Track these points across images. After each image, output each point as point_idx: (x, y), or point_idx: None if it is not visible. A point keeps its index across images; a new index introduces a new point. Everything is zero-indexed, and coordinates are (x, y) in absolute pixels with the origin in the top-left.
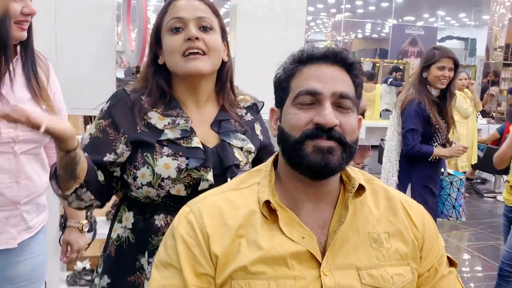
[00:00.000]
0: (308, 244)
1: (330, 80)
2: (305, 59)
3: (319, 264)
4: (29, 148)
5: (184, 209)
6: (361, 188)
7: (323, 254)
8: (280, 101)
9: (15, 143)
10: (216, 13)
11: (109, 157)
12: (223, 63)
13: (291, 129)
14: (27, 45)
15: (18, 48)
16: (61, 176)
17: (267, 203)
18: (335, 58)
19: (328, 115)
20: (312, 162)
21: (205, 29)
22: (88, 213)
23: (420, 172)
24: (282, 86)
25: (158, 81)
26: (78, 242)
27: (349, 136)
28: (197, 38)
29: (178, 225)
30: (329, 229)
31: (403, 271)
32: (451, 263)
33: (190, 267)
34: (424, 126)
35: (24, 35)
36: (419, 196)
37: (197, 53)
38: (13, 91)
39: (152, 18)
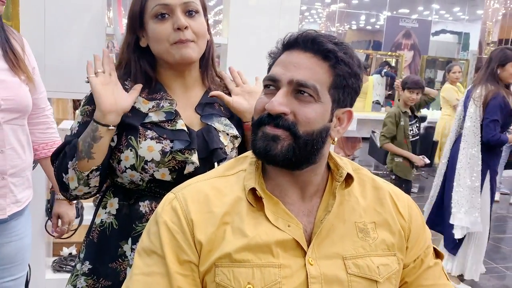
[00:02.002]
0: (294, 232)
1: (293, 67)
2: (284, 45)
3: (305, 253)
4: (12, 117)
5: (169, 196)
6: (349, 178)
7: (308, 243)
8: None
9: None
10: None
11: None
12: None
13: (255, 113)
14: None
15: None
16: (79, 151)
17: (253, 190)
18: (305, 45)
19: (274, 102)
20: (257, 147)
21: (191, 13)
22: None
23: (497, 159)
24: (268, 70)
25: (143, 65)
26: (68, 214)
27: (302, 126)
28: (186, 28)
29: (162, 211)
30: (315, 218)
31: (389, 262)
32: (437, 255)
33: (174, 254)
34: (505, 117)
35: (1, 10)
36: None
37: (187, 41)
38: None
39: None
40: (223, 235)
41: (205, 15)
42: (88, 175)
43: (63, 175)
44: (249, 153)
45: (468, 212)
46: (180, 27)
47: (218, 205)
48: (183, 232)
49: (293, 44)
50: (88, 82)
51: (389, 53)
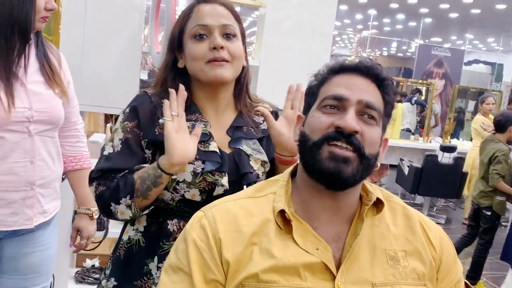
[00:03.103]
0: (323, 255)
1: (359, 89)
2: (337, 68)
3: (333, 277)
4: (44, 129)
5: (198, 214)
6: (379, 203)
7: (337, 267)
8: (307, 108)
9: (30, 122)
10: (237, 18)
11: (148, 153)
12: (242, 68)
13: (311, 132)
14: (38, 32)
15: (32, 34)
16: (137, 190)
17: (282, 212)
18: (367, 71)
19: (349, 120)
20: (324, 167)
21: (228, 36)
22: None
23: None
24: (311, 92)
25: (178, 85)
26: (87, 228)
27: (368, 147)
28: (222, 48)
29: (191, 229)
30: (344, 243)
31: None
32: None
33: (200, 272)
34: None
35: (43, 26)
36: None
37: (222, 60)
38: (26, 74)
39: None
40: (251, 255)
41: (243, 41)
42: (143, 212)
43: (112, 204)
44: (279, 177)
45: None
46: (216, 46)
47: (247, 225)
48: (211, 250)
49: (352, 68)
50: (162, 122)
51: (420, 81)
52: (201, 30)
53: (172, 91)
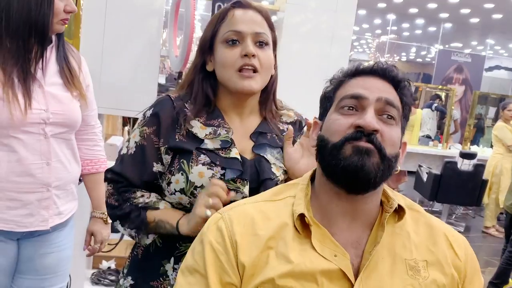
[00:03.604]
0: (341, 262)
1: (377, 89)
2: (353, 72)
3: (351, 285)
4: (60, 131)
5: (215, 216)
6: (401, 211)
7: (355, 275)
8: (323, 112)
9: (46, 124)
10: (271, 26)
11: (157, 167)
12: (270, 78)
13: (331, 135)
14: (60, 35)
15: (54, 37)
16: (149, 229)
17: (301, 216)
18: (383, 73)
19: (369, 118)
20: (347, 163)
21: (261, 44)
22: None
23: None
24: (327, 97)
25: (205, 88)
26: (101, 232)
27: (388, 148)
28: (253, 56)
29: (208, 231)
30: (363, 250)
31: None
32: None
33: (216, 275)
34: None
35: (63, 28)
36: None
37: (252, 70)
38: (44, 76)
39: (197, 27)
40: (267, 259)
41: (274, 49)
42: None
43: (119, 222)
44: (298, 180)
45: None
46: (247, 54)
47: (264, 228)
48: (227, 253)
49: (368, 71)
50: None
51: (440, 86)
52: (234, 35)
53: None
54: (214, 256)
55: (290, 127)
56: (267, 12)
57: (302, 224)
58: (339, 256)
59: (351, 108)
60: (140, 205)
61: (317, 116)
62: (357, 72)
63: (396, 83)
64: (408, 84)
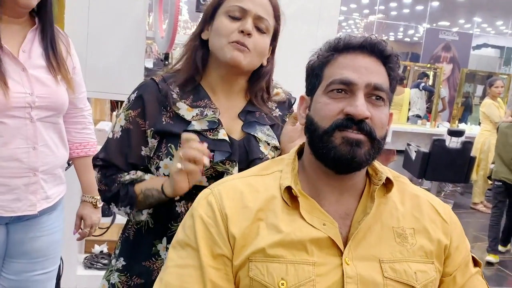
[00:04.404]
0: (329, 231)
1: (365, 70)
2: (341, 47)
3: (341, 252)
4: (46, 115)
5: (205, 191)
6: (389, 183)
7: (344, 244)
8: (311, 89)
9: (32, 108)
10: (276, 16)
11: (146, 151)
12: (261, 67)
13: (320, 119)
14: (45, 17)
15: (37, 19)
16: (139, 202)
17: (289, 189)
18: (372, 49)
19: (360, 106)
20: (339, 154)
21: (259, 29)
22: None
23: None
24: (315, 73)
25: (197, 55)
26: (91, 217)
27: (378, 131)
28: (249, 35)
29: (198, 206)
30: (352, 220)
31: (427, 269)
32: (475, 263)
33: (207, 247)
34: None
35: (30, 2)
36: None
37: (244, 45)
38: (30, 59)
39: (184, 9)
40: (257, 230)
41: (274, 40)
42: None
43: (113, 204)
44: (285, 156)
45: None
46: (244, 31)
47: (252, 201)
48: (218, 226)
49: (356, 47)
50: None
51: (428, 65)
52: (237, 11)
53: (196, 138)
54: (204, 229)
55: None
56: (277, 3)
57: (290, 197)
58: (328, 225)
59: (340, 91)
60: (126, 182)
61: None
62: (345, 47)
63: (385, 58)
64: (396, 58)
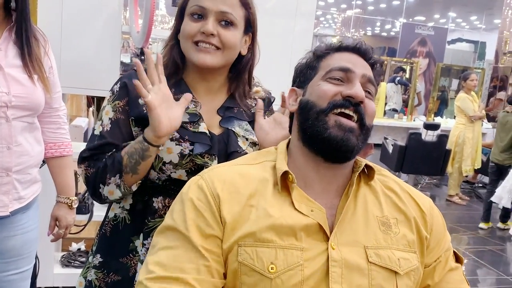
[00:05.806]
0: (317, 216)
1: (360, 65)
2: (337, 47)
3: (327, 238)
4: (22, 115)
5: (194, 178)
6: (370, 170)
7: (331, 230)
8: (304, 81)
9: (8, 108)
10: (244, 4)
11: (137, 131)
12: (241, 56)
13: (318, 99)
14: (22, 15)
15: (14, 17)
16: (126, 166)
17: (285, 173)
18: (364, 53)
19: (359, 89)
20: (333, 135)
21: (225, 24)
22: (86, 194)
23: None
24: (310, 66)
25: (175, 54)
26: (66, 218)
27: (368, 118)
28: (212, 35)
29: (188, 190)
30: (337, 209)
31: (409, 257)
32: (457, 259)
33: (197, 228)
34: None
35: None
36: None
37: (212, 46)
38: (6, 58)
39: (161, 3)
40: (248, 215)
41: (247, 30)
42: (132, 189)
43: (100, 185)
44: (271, 148)
45: None
46: (205, 32)
47: (244, 186)
48: (209, 207)
49: (351, 48)
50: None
51: (404, 59)
52: (198, 10)
53: (136, 61)
54: (195, 211)
55: (260, 100)
56: None
57: (281, 183)
58: (315, 211)
59: (337, 79)
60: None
61: (286, 90)
62: (342, 47)
63: (373, 63)
64: (380, 66)
